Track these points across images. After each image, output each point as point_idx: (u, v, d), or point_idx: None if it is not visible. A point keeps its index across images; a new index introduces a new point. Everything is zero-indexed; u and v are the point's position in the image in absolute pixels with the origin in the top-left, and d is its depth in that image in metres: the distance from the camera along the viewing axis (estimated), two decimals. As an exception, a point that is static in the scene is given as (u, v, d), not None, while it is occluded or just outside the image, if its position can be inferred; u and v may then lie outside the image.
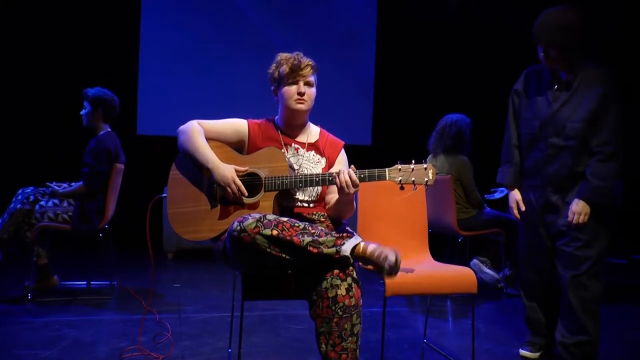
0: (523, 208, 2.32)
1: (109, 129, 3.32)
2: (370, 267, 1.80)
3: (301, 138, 2.05)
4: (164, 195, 2.05)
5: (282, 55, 1.99)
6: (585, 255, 2.15)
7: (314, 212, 1.97)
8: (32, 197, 3.15)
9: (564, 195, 2.20)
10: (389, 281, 1.95)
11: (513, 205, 2.37)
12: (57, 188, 3.22)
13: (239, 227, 1.65)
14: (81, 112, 3.28)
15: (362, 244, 1.72)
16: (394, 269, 1.69)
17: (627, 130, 2.18)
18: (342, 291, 1.66)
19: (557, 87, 2.19)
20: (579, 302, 2.16)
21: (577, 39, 2.10)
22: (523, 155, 2.33)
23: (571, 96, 2.15)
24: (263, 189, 1.87)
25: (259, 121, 2.06)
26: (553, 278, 2.29)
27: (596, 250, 2.16)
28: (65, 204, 3.17)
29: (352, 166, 1.80)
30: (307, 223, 1.73)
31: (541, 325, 2.37)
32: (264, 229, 1.64)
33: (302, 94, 1.95)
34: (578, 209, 2.12)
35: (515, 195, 2.36)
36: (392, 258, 1.67)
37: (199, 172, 1.94)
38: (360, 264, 1.82)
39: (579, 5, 2.12)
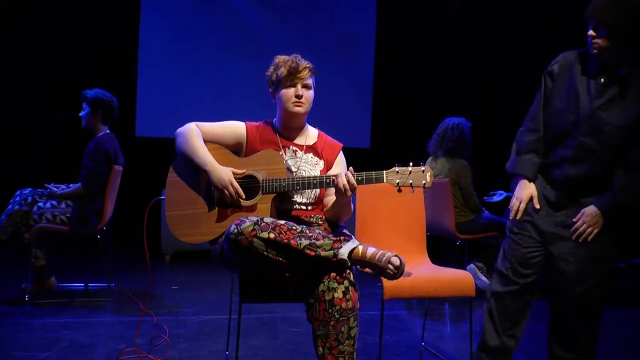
0: (538, 206, 1.90)
1: (108, 131, 3.32)
2: (367, 270, 1.80)
3: (299, 140, 2.05)
4: (162, 197, 2.05)
5: (280, 58, 1.99)
6: (594, 269, 1.84)
7: (312, 215, 1.97)
8: (30, 199, 3.15)
9: (578, 202, 1.86)
10: (387, 284, 1.95)
11: (525, 199, 1.90)
12: (55, 189, 3.21)
13: (236, 230, 1.65)
14: (80, 114, 3.28)
15: (360, 247, 1.72)
16: (399, 271, 1.68)
17: None
18: (339, 294, 1.67)
19: (605, 80, 1.80)
20: (584, 321, 1.87)
21: (637, 25, 1.72)
22: (546, 150, 1.94)
23: (619, 95, 1.78)
24: (261, 191, 1.87)
25: (257, 124, 2.06)
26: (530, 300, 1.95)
27: (607, 264, 1.88)
28: (63, 205, 3.16)
29: (351, 168, 1.80)
30: (304, 226, 1.73)
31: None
32: (261, 232, 1.64)
33: (300, 96, 1.95)
34: (592, 220, 1.80)
35: (532, 189, 1.92)
36: (396, 261, 1.67)
37: (196, 174, 1.94)
38: (358, 267, 1.82)
39: None
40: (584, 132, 1.81)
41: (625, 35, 1.72)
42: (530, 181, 1.93)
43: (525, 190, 1.92)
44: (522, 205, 1.91)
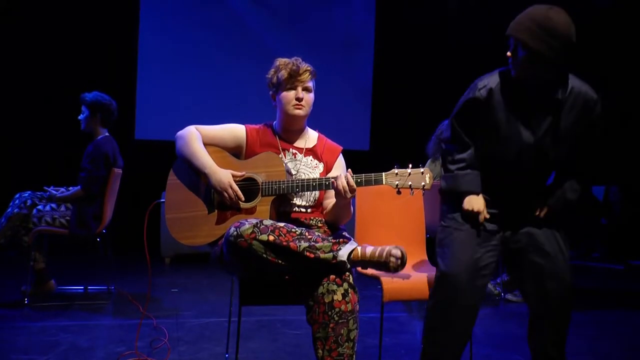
0: (487, 216, 1.81)
1: (107, 134, 3.32)
2: (369, 270, 1.79)
3: (299, 143, 2.06)
4: (161, 200, 2.05)
5: (281, 61, 2.00)
6: (567, 267, 1.80)
7: (312, 218, 1.97)
8: (29, 202, 3.14)
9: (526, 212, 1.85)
10: (386, 287, 1.95)
11: (482, 208, 1.79)
12: (54, 192, 3.21)
13: (235, 233, 1.65)
14: (79, 117, 3.29)
15: (359, 249, 1.72)
16: (402, 261, 1.67)
17: (625, 136, 2.09)
18: (338, 296, 1.66)
19: (538, 107, 1.75)
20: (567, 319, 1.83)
21: (563, 50, 1.63)
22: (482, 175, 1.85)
23: (555, 120, 1.75)
24: (260, 193, 1.87)
25: (256, 126, 2.06)
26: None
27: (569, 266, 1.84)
28: (62, 208, 3.16)
29: (349, 170, 1.80)
30: (303, 228, 1.73)
31: None
32: (261, 234, 1.64)
33: (300, 99, 1.95)
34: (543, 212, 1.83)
35: (482, 202, 1.82)
36: (397, 252, 1.67)
37: (196, 177, 1.94)
38: (358, 268, 1.82)
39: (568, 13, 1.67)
40: (528, 160, 1.79)
41: (544, 57, 1.62)
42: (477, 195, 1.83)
43: (480, 201, 1.81)
44: (484, 214, 1.79)
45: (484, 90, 1.78)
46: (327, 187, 1.82)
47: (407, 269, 2.09)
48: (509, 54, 1.71)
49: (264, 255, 1.66)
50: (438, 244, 1.87)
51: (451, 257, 1.77)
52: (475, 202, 1.81)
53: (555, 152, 1.79)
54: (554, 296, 1.79)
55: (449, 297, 1.76)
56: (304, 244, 1.66)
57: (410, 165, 1.79)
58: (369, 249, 1.71)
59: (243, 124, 2.05)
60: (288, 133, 2.05)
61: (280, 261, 1.67)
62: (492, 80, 1.80)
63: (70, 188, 3.25)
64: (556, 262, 1.80)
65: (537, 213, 1.85)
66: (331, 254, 1.67)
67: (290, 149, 2.03)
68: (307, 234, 1.69)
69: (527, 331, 1.89)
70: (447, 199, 1.92)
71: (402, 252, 1.68)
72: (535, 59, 1.64)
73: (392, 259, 1.67)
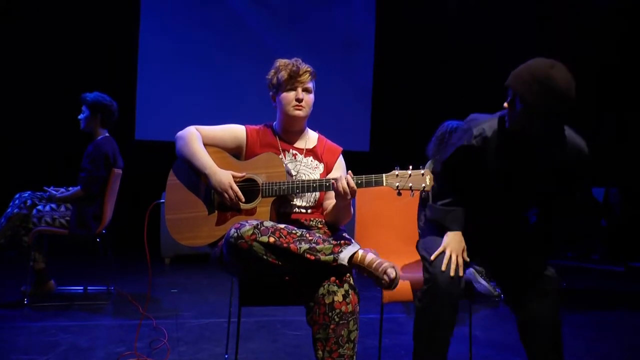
0: (468, 259, 1.78)
1: (107, 134, 3.32)
2: (366, 274, 1.79)
3: (299, 144, 2.05)
4: (161, 201, 2.05)
5: (281, 61, 2.00)
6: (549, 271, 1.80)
7: (312, 219, 1.96)
8: (29, 202, 3.14)
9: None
10: (386, 288, 1.94)
11: (461, 252, 1.76)
12: (54, 192, 3.21)
13: (235, 234, 1.65)
14: (79, 117, 3.28)
15: (360, 252, 1.72)
16: (393, 283, 1.68)
17: (625, 138, 2.10)
18: (339, 298, 1.66)
19: (525, 153, 1.78)
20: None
21: (562, 108, 1.60)
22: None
23: (539, 165, 1.78)
24: (260, 194, 1.87)
25: (257, 127, 2.06)
26: None
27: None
28: (62, 208, 3.16)
29: (350, 172, 1.80)
30: (304, 230, 1.73)
31: None
32: (261, 236, 1.64)
33: (301, 100, 1.95)
34: None
35: (463, 243, 1.80)
36: (391, 273, 1.66)
37: (196, 178, 1.94)
38: (357, 271, 1.82)
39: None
40: (513, 203, 1.84)
41: (542, 113, 1.61)
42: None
43: (461, 244, 1.80)
44: (460, 260, 1.75)
45: (480, 138, 1.78)
46: (327, 188, 1.81)
47: (407, 270, 2.09)
48: (505, 104, 1.71)
49: (265, 257, 1.65)
50: (422, 245, 1.88)
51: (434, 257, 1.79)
52: (453, 243, 1.78)
53: (539, 195, 1.83)
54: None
55: (434, 294, 1.74)
56: (304, 246, 1.66)
57: (410, 167, 1.78)
58: (369, 257, 1.70)
59: (243, 124, 2.04)
60: (288, 134, 2.05)
61: (280, 263, 1.67)
62: (487, 127, 1.79)
63: (70, 188, 3.25)
64: (536, 263, 1.80)
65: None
66: (332, 256, 1.67)
67: (291, 150, 2.03)
68: (307, 235, 1.69)
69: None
70: (429, 224, 1.95)
71: (396, 273, 1.67)
72: (533, 114, 1.63)
73: (385, 278, 1.66)
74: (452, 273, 1.71)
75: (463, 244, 1.81)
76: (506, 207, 1.85)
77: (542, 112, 1.61)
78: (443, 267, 1.71)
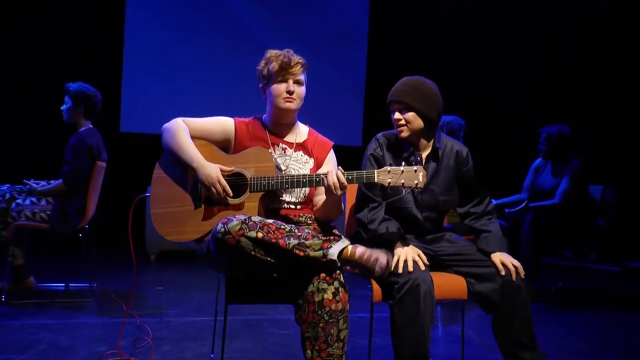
0: (424, 259, 1.88)
1: (91, 125, 3.24)
2: (357, 270, 1.76)
3: (289, 138, 2.01)
4: (147, 194, 2.00)
5: (272, 52, 1.95)
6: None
7: (301, 214, 1.93)
8: (8, 195, 3.06)
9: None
10: (376, 286, 1.91)
11: (410, 256, 1.82)
12: (35, 186, 3.13)
13: (223, 229, 1.60)
14: (62, 108, 3.20)
15: (350, 247, 1.70)
16: (386, 272, 1.66)
17: (625, 141, 2.13)
18: (328, 295, 1.64)
19: (421, 161, 2.02)
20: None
21: (437, 111, 1.97)
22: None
23: (437, 170, 2.02)
24: (249, 189, 1.83)
25: (246, 120, 2.01)
26: None
27: None
28: (43, 202, 3.08)
29: (340, 167, 1.76)
30: (293, 225, 1.69)
31: None
32: (249, 231, 1.60)
33: (292, 92, 1.90)
34: (507, 260, 1.91)
35: (410, 246, 1.91)
36: (383, 260, 1.65)
37: (183, 171, 1.89)
38: (348, 267, 1.78)
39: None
40: (424, 209, 2.04)
41: (426, 118, 1.95)
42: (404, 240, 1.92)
43: (413, 249, 1.88)
44: (410, 263, 1.80)
45: (379, 149, 2.05)
46: (317, 183, 1.78)
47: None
48: (397, 116, 1.98)
49: (252, 253, 1.61)
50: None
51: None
52: (405, 251, 1.84)
53: (442, 197, 2.04)
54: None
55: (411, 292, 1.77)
56: (293, 242, 1.62)
57: (403, 163, 1.76)
58: (359, 251, 1.69)
59: (232, 117, 2.00)
60: (278, 127, 2.00)
61: (268, 259, 1.63)
62: (384, 136, 2.08)
63: (52, 181, 3.17)
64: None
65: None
66: (321, 252, 1.64)
67: (280, 144, 1.98)
68: (296, 230, 1.66)
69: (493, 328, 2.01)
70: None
71: (388, 260, 1.68)
72: (420, 119, 1.95)
73: (378, 268, 1.67)
74: (410, 269, 1.77)
75: (415, 249, 1.89)
76: (415, 211, 2.02)
77: (422, 110, 1.96)
78: (400, 270, 1.77)
